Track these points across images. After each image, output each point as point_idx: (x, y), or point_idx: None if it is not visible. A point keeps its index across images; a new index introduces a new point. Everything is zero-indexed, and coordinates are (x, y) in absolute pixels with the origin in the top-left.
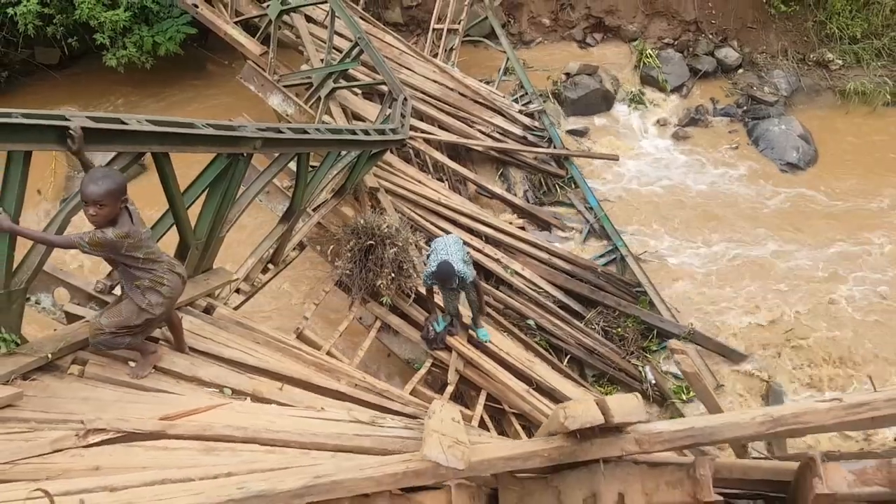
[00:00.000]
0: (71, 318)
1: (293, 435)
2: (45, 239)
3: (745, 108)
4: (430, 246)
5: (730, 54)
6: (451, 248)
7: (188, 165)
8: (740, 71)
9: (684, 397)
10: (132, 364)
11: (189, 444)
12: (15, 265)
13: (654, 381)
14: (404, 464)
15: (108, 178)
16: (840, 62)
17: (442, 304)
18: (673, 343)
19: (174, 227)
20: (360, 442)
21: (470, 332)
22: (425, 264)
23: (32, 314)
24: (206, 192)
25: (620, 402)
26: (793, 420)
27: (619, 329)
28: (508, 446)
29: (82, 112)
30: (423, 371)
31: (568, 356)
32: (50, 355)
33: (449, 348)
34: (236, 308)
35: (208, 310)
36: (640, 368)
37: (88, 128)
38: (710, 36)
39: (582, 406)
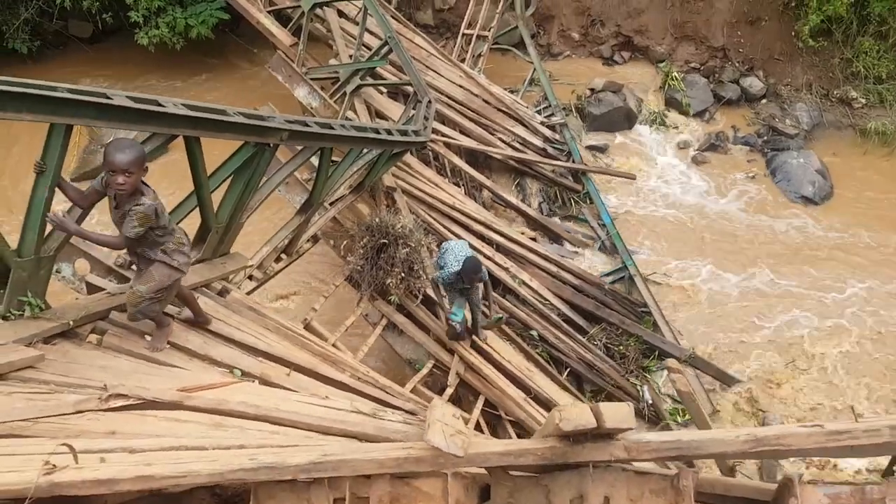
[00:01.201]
0: (91, 288)
1: (301, 416)
2: (107, 242)
3: (765, 138)
4: (440, 248)
5: (755, 84)
6: (468, 253)
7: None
8: (763, 101)
9: (679, 419)
10: (148, 338)
11: (200, 418)
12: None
13: (650, 401)
14: (406, 450)
15: (133, 147)
16: (863, 101)
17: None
18: (670, 362)
19: (195, 211)
20: (363, 429)
21: (473, 337)
22: (437, 266)
23: (51, 282)
24: (230, 179)
25: (613, 409)
26: (775, 441)
27: (621, 347)
28: (503, 443)
29: (123, 91)
30: (424, 371)
31: (568, 369)
32: (72, 322)
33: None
34: (248, 293)
35: (222, 293)
36: (639, 388)
37: (128, 108)
38: (737, 64)
39: (577, 410)
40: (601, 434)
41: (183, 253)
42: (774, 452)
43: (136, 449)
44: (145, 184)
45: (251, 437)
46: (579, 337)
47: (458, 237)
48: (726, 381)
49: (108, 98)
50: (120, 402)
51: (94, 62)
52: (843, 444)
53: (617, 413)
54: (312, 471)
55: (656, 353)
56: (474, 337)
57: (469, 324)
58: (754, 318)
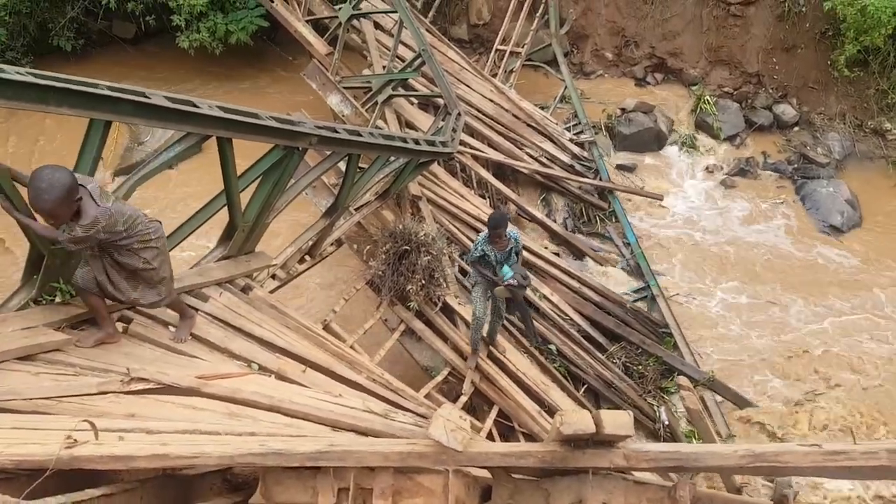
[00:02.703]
0: None
1: (312, 409)
2: (32, 226)
3: (795, 165)
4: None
5: (787, 111)
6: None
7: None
8: (796, 129)
9: (695, 441)
10: (172, 329)
11: (215, 407)
12: None
13: (667, 422)
14: (410, 445)
15: (52, 190)
16: None
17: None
18: (681, 379)
19: (224, 209)
20: (372, 425)
21: (490, 347)
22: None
23: None
24: (258, 180)
25: (613, 416)
26: (772, 458)
27: (640, 366)
28: (506, 444)
29: (160, 91)
30: (439, 378)
31: (585, 386)
32: None
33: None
34: (271, 292)
35: (245, 289)
36: (656, 408)
37: (164, 107)
38: (771, 90)
39: (577, 415)
40: (601, 441)
41: (150, 248)
42: (772, 469)
43: (154, 430)
44: (89, 192)
45: (263, 426)
46: (598, 354)
47: None
48: (743, 405)
49: (145, 96)
50: (140, 386)
51: (136, 63)
52: (840, 465)
53: (616, 420)
54: (319, 459)
55: (675, 374)
56: (490, 347)
57: (485, 333)
58: (776, 344)
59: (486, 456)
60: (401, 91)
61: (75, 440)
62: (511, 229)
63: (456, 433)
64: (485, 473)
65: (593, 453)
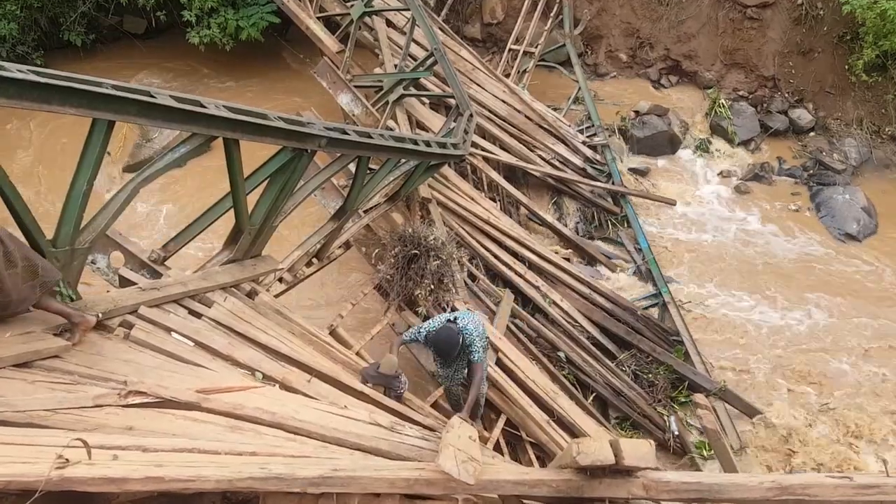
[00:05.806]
0: (124, 282)
1: (316, 427)
2: None
3: (811, 171)
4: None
5: (803, 116)
6: (471, 322)
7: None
8: (812, 134)
9: (705, 454)
10: (175, 335)
11: (217, 420)
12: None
13: (677, 433)
14: (418, 471)
15: None
16: None
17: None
18: (698, 397)
19: (229, 212)
20: (378, 444)
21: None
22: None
23: (85, 272)
24: (266, 182)
25: (633, 446)
26: (800, 490)
27: (650, 375)
28: (518, 471)
29: (166, 91)
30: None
31: (594, 394)
32: (100, 314)
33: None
34: (277, 296)
35: (251, 294)
36: (666, 418)
37: (170, 107)
38: (787, 95)
39: (595, 444)
40: (619, 469)
41: None
42: (799, 502)
43: (150, 448)
44: None
45: (266, 442)
46: (608, 361)
47: (489, 251)
48: (755, 416)
49: (151, 96)
50: (138, 399)
51: (146, 58)
52: (871, 499)
53: (637, 450)
54: (322, 485)
55: (686, 383)
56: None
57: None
58: (788, 352)
59: (497, 484)
60: (412, 91)
61: (66, 460)
62: (465, 322)
63: (467, 465)
64: (495, 496)
65: (610, 482)
